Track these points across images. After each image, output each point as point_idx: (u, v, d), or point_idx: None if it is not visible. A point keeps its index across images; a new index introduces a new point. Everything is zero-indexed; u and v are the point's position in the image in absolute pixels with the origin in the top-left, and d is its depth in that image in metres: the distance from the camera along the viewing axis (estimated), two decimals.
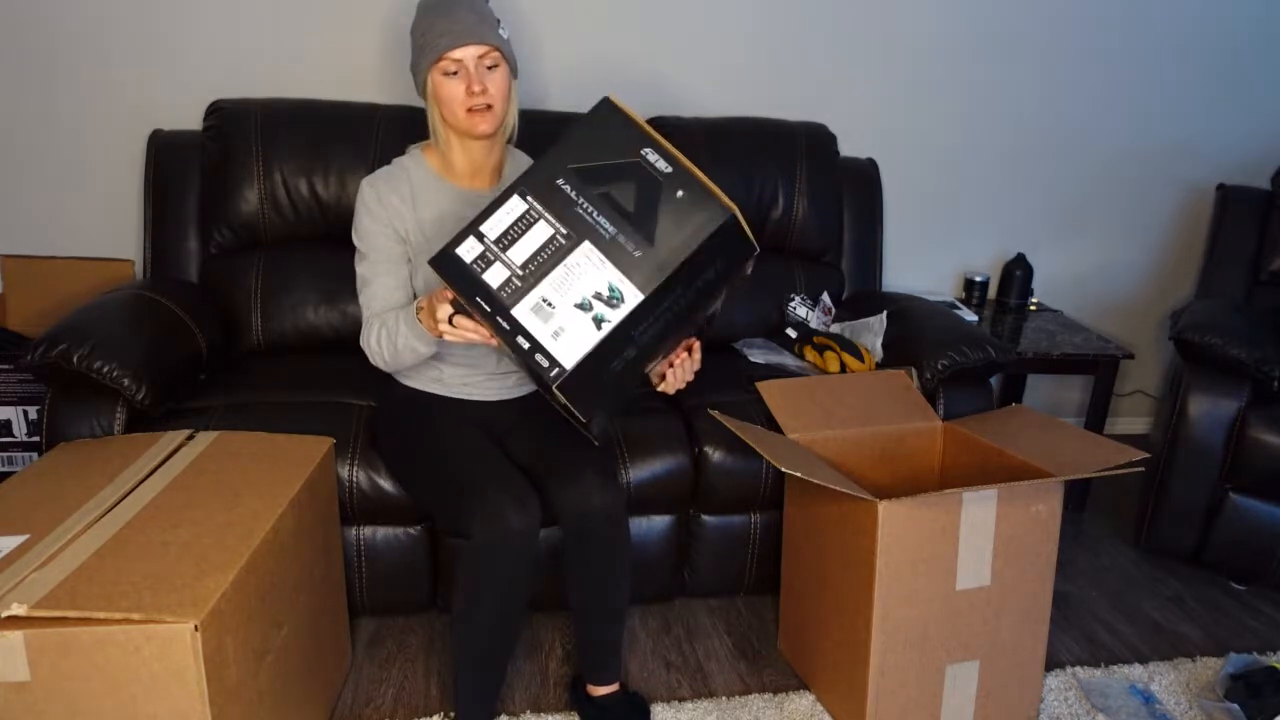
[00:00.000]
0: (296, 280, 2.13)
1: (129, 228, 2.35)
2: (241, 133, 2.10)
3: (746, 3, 2.47)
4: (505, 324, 1.30)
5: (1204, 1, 2.71)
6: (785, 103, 2.57)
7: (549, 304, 1.30)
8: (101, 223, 2.34)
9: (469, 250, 1.32)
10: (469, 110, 1.54)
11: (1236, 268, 2.62)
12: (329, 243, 2.16)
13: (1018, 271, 2.73)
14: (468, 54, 1.53)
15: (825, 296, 2.33)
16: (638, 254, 1.31)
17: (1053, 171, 2.82)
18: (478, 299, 1.31)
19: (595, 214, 1.32)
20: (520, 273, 1.31)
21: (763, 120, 2.41)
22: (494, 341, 1.37)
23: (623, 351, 1.32)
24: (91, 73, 2.23)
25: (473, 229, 1.33)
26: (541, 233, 1.31)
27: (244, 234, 2.14)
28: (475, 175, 1.67)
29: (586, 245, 1.31)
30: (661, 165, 1.33)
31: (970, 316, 2.57)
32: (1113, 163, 2.84)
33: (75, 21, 2.19)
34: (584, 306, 1.30)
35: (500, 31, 1.57)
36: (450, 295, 1.38)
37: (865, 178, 2.53)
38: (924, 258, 2.82)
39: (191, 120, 2.26)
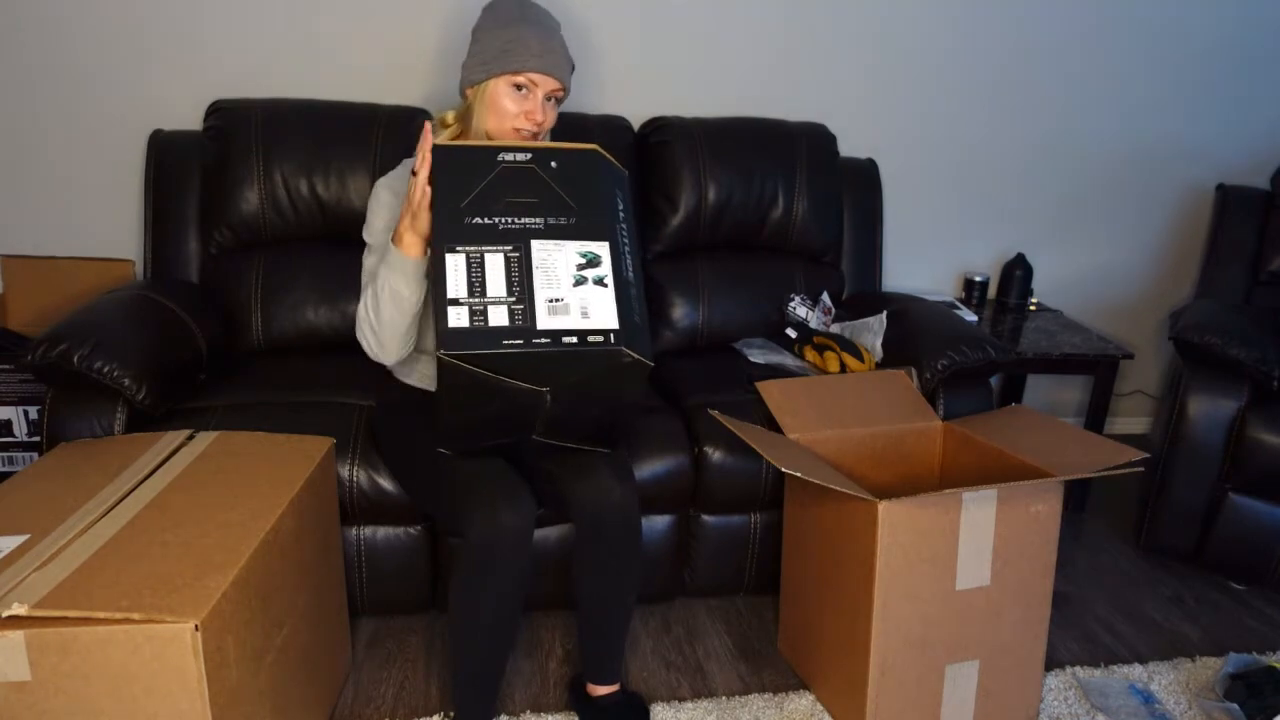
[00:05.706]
0: (296, 280, 2.13)
1: (129, 228, 2.35)
2: (242, 133, 2.10)
3: (748, 3, 2.47)
4: (544, 339, 1.32)
5: (1204, 1, 2.71)
6: (785, 103, 2.57)
7: (557, 300, 1.35)
8: (101, 223, 2.34)
9: (459, 318, 1.32)
10: (515, 129, 1.59)
11: (1236, 268, 2.62)
12: (329, 243, 2.17)
13: (1018, 271, 2.73)
14: (546, 83, 1.58)
15: (825, 296, 2.33)
16: (573, 220, 1.41)
17: (1052, 171, 2.82)
18: (504, 343, 1.32)
19: (517, 219, 1.40)
20: (512, 298, 1.35)
21: (763, 120, 2.41)
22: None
23: (630, 290, 1.41)
24: (91, 73, 2.23)
25: (443, 304, 1.32)
26: (496, 261, 1.36)
27: (244, 234, 2.14)
28: None
29: (536, 243, 1.38)
30: (521, 157, 1.44)
31: (970, 316, 2.57)
32: (1113, 163, 2.84)
33: (76, 21, 2.19)
34: (580, 281, 1.37)
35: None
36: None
37: (865, 178, 2.53)
38: (924, 258, 2.82)
39: (191, 120, 2.26)
